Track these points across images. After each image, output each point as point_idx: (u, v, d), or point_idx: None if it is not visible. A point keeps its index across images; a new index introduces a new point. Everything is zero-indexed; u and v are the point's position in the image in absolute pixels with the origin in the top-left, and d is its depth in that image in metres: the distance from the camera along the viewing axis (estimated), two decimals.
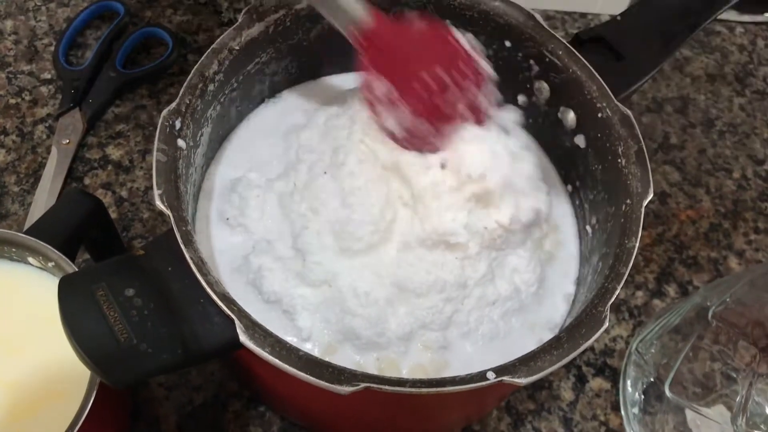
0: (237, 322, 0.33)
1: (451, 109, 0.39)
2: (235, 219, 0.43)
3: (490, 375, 0.34)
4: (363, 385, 0.33)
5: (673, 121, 0.65)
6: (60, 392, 0.39)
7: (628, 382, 0.50)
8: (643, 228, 0.58)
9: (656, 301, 0.56)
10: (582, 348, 0.35)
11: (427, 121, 0.39)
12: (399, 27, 0.39)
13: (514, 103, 0.49)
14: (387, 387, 0.33)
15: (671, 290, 0.56)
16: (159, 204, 0.36)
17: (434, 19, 0.40)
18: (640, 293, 0.56)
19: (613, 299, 0.37)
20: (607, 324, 0.36)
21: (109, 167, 0.56)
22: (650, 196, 0.40)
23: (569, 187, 0.48)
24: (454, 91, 0.38)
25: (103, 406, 0.38)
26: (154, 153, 0.38)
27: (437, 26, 0.40)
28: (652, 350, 0.49)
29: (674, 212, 0.60)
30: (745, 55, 0.70)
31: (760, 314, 0.44)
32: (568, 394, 0.51)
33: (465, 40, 0.39)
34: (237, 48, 0.42)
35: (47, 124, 0.58)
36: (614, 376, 0.52)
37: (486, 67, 0.39)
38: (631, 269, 0.56)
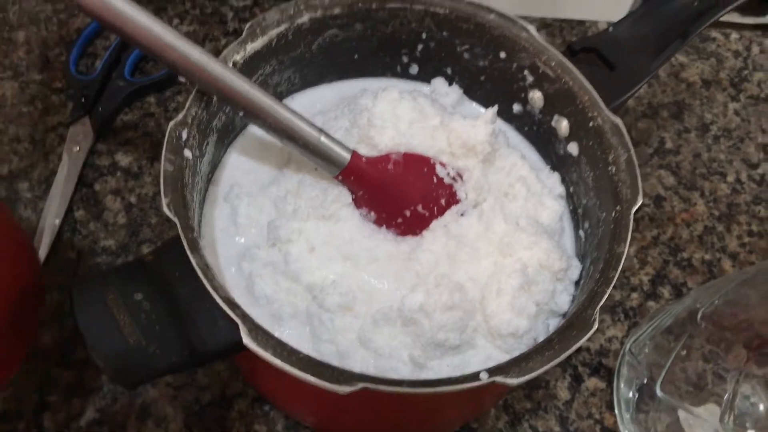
0: (241, 325, 0.35)
1: (425, 223, 0.46)
2: (227, 228, 0.45)
3: (483, 375, 0.35)
4: (361, 385, 0.34)
5: (669, 126, 0.66)
6: None
7: (622, 382, 0.51)
8: (638, 231, 0.60)
9: (651, 303, 0.57)
10: (572, 350, 0.37)
11: (402, 231, 0.46)
12: (382, 167, 0.45)
13: (509, 111, 0.51)
14: (384, 387, 0.35)
15: (666, 292, 0.58)
16: (167, 212, 0.38)
17: (418, 155, 0.46)
18: (635, 295, 0.57)
19: (602, 303, 0.38)
20: (596, 327, 0.37)
21: (119, 174, 0.58)
22: (639, 203, 0.41)
23: (565, 192, 0.49)
24: (429, 215, 0.46)
25: None
26: (162, 163, 0.39)
27: (420, 163, 0.46)
28: (646, 350, 0.50)
29: (669, 215, 0.61)
30: (740, 60, 0.71)
31: (748, 315, 0.46)
32: (564, 394, 0.53)
33: (445, 170, 0.46)
34: (241, 61, 0.44)
35: (58, 132, 0.60)
36: (609, 376, 0.54)
37: (462, 188, 0.46)
38: (626, 271, 0.58)
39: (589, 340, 0.55)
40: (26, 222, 0.55)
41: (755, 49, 0.72)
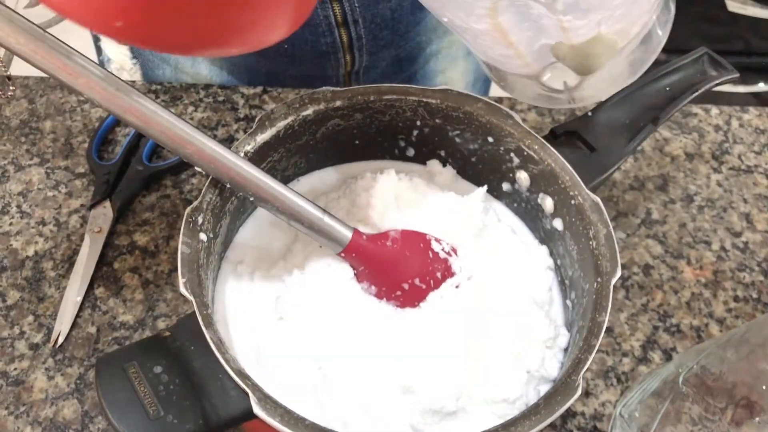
0: (251, 395, 0.38)
1: (422, 295, 0.49)
2: (238, 302, 0.49)
3: None
4: None
5: (655, 197, 0.70)
6: None
7: None
8: (628, 298, 0.63)
9: (642, 367, 0.60)
10: (557, 414, 0.39)
11: (401, 303, 0.49)
12: (382, 244, 0.49)
13: (499, 189, 0.55)
14: None
15: (656, 357, 0.60)
16: (183, 291, 0.41)
17: (415, 232, 0.50)
18: (626, 360, 0.60)
19: (585, 369, 0.41)
20: (580, 391, 0.40)
21: (137, 252, 0.62)
22: (618, 276, 0.45)
23: (553, 264, 0.53)
24: (426, 287, 0.49)
25: None
26: (180, 246, 0.43)
27: (417, 239, 0.49)
28: (636, 414, 0.53)
29: (657, 283, 0.64)
30: (721, 134, 0.75)
31: (729, 377, 0.48)
32: None
33: (440, 246, 0.49)
34: (252, 151, 0.48)
35: (81, 214, 0.64)
36: None
37: (456, 262, 0.50)
38: (618, 338, 0.61)
39: (583, 404, 0.57)
40: (50, 299, 0.59)
41: (735, 123, 0.76)
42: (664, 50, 0.49)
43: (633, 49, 0.45)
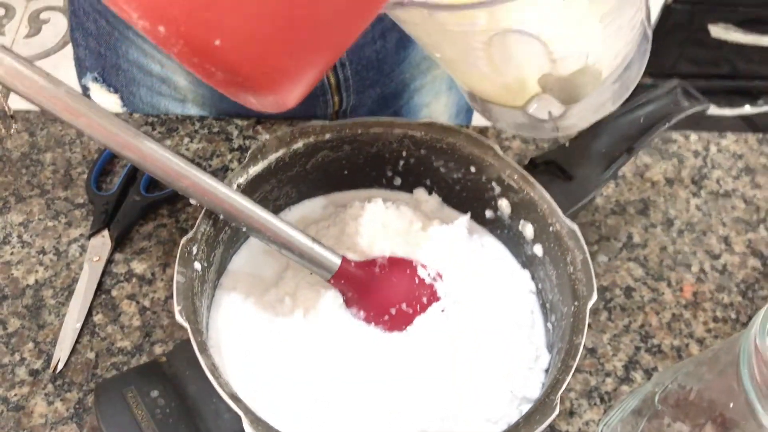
0: (243, 417, 0.40)
1: (409, 320, 0.51)
2: (232, 328, 0.50)
3: None
4: None
5: (636, 221, 0.72)
6: None
7: None
8: (611, 320, 0.66)
9: (624, 387, 0.62)
10: None
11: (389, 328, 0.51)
12: (369, 270, 0.51)
13: (483, 216, 0.57)
14: None
15: (638, 376, 0.62)
16: (179, 318, 0.43)
17: (401, 258, 0.52)
18: (609, 380, 0.62)
19: (563, 389, 0.43)
20: (557, 411, 0.42)
21: (134, 280, 0.64)
22: (594, 299, 0.47)
23: (535, 288, 0.55)
24: (413, 312, 0.51)
25: None
26: (175, 275, 0.45)
27: (403, 265, 0.52)
28: None
29: (639, 305, 0.67)
30: (700, 159, 0.78)
31: (705, 394, 0.50)
32: None
33: (426, 271, 0.52)
34: (244, 183, 0.51)
35: (80, 244, 0.66)
36: None
37: (442, 287, 0.52)
38: (601, 358, 0.63)
39: (568, 424, 0.59)
40: (50, 327, 0.61)
41: (713, 149, 0.79)
42: (653, 74, 0.51)
43: (616, 78, 0.47)
